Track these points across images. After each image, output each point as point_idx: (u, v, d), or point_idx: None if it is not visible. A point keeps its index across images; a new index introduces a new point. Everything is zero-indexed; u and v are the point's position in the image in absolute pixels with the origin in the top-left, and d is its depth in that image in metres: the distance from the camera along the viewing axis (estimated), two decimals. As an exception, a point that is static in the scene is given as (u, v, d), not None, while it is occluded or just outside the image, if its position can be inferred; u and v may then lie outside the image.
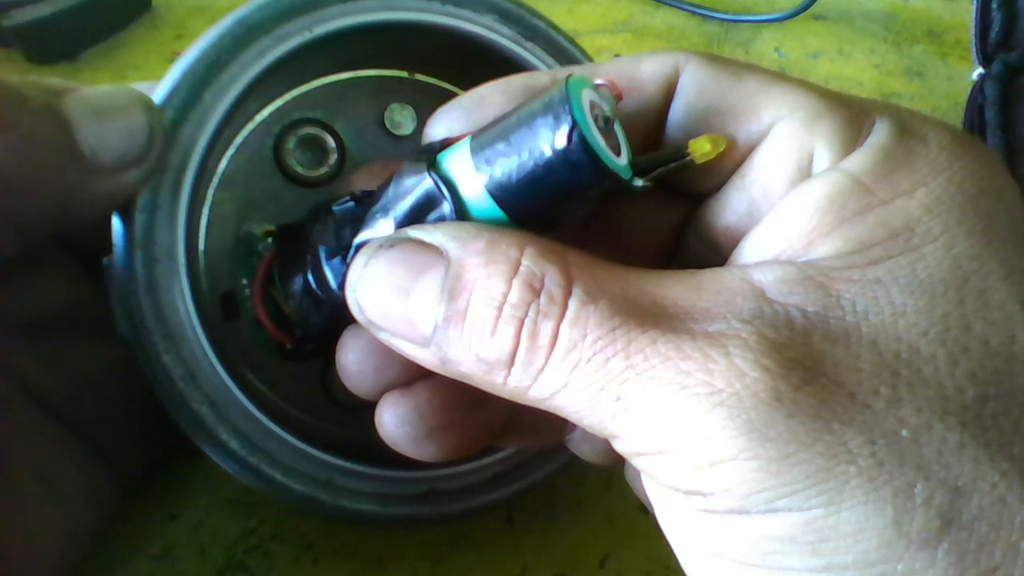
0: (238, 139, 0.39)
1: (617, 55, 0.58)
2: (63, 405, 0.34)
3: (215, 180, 0.38)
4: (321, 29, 0.35)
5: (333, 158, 0.40)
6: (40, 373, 0.33)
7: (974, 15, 0.55)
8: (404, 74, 0.41)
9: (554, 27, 0.38)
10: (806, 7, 0.61)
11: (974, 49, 0.55)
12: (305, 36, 0.34)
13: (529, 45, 0.37)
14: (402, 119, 0.41)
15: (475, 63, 0.37)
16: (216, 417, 0.32)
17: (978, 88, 0.54)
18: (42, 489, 0.32)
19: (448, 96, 0.29)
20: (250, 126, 0.39)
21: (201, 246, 0.37)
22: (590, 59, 0.38)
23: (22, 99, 0.28)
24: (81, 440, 0.34)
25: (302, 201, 0.38)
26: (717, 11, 0.63)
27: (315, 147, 0.40)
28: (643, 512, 0.42)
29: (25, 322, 0.33)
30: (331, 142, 0.40)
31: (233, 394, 0.33)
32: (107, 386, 0.35)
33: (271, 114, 0.39)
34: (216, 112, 0.33)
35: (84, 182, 0.30)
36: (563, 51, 0.38)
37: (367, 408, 0.31)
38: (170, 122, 0.32)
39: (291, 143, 0.40)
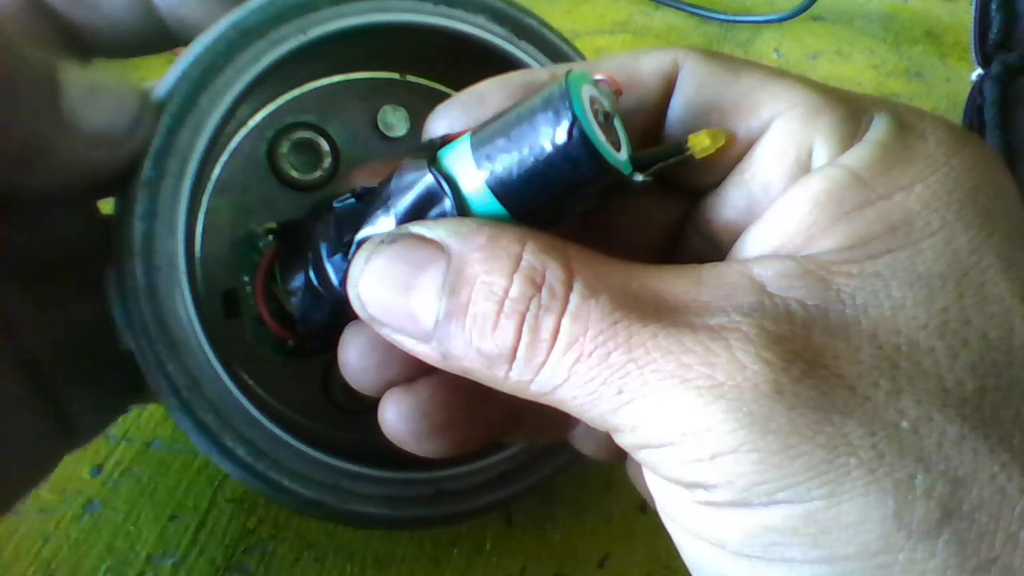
0: (232, 145, 0.38)
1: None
2: (41, 359, 0.32)
3: (210, 186, 0.38)
4: (315, 32, 0.34)
5: (327, 161, 0.40)
6: (27, 321, 0.32)
7: (974, 16, 0.55)
8: (396, 76, 0.41)
9: (546, 26, 0.38)
10: (805, 8, 0.61)
11: (973, 50, 0.56)
12: (300, 39, 0.34)
13: (522, 44, 0.37)
14: (395, 121, 0.41)
15: (467, 63, 0.36)
16: (221, 424, 0.32)
17: (977, 89, 0.54)
18: None
19: (441, 97, 0.29)
20: (243, 131, 0.39)
21: (198, 253, 0.37)
22: (583, 57, 0.38)
23: (20, 58, 0.27)
24: (47, 402, 0.32)
25: (297, 205, 0.38)
26: (716, 12, 0.63)
27: (309, 151, 0.40)
28: (643, 512, 0.42)
29: (22, 263, 0.32)
30: (325, 145, 0.40)
31: (238, 401, 0.32)
32: (85, 346, 0.33)
33: (264, 119, 0.39)
34: (213, 117, 0.33)
35: (53, 140, 0.28)
36: (556, 50, 0.38)
37: (370, 410, 0.31)
38: (166, 128, 0.32)
39: (285, 147, 0.39)
